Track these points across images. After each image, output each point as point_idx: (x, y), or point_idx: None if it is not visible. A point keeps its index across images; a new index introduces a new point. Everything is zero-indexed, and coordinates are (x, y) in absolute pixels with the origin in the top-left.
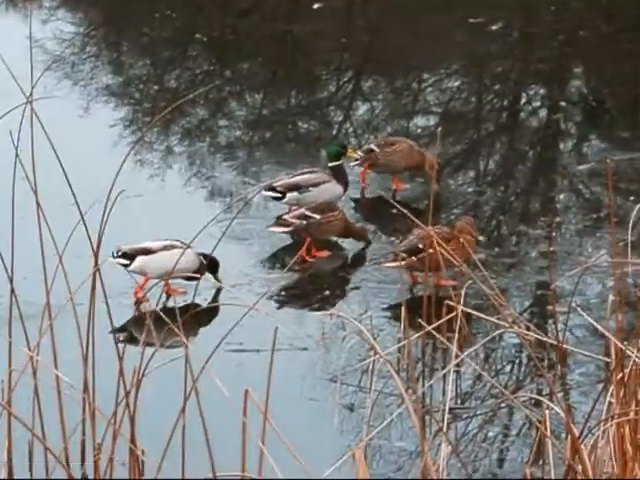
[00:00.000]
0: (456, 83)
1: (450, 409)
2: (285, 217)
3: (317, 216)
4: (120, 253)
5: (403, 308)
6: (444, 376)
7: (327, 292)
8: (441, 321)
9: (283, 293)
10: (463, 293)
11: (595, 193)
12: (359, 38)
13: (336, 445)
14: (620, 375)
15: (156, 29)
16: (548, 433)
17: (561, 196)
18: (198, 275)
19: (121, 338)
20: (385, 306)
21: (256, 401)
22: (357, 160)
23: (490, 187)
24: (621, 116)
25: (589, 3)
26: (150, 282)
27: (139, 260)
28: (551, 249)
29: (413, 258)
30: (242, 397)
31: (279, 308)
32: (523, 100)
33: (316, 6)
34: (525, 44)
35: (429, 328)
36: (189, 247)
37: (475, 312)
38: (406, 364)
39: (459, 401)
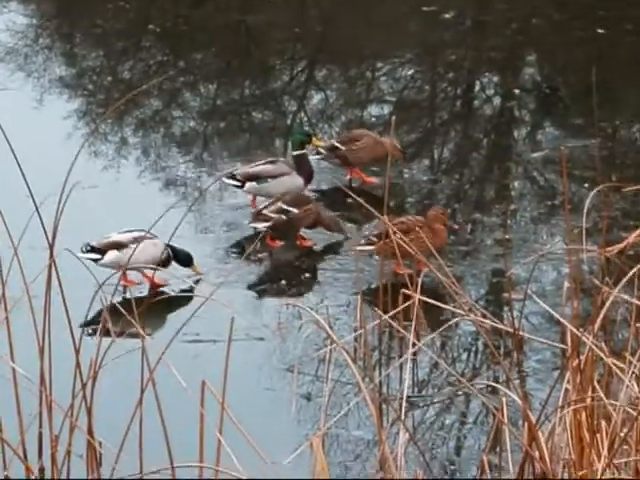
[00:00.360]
0: (410, 72)
1: (407, 397)
2: (264, 212)
3: (295, 210)
4: (89, 248)
5: (359, 297)
6: (401, 364)
7: (283, 282)
8: (397, 310)
9: (239, 283)
10: (420, 281)
11: (549, 180)
12: (312, 28)
13: (293, 434)
14: (576, 362)
15: (109, 20)
16: (505, 420)
17: (515, 184)
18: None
19: (77, 330)
20: (341, 295)
21: (213, 391)
22: (320, 154)
23: (445, 175)
24: (574, 103)
25: None
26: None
27: (111, 254)
28: (506, 237)
29: (382, 242)
30: (199, 388)
31: (235, 298)
32: (477, 88)
33: None
34: (478, 32)
35: (385, 317)
36: (157, 237)
37: (431, 300)
38: (363, 353)
39: (416, 389)
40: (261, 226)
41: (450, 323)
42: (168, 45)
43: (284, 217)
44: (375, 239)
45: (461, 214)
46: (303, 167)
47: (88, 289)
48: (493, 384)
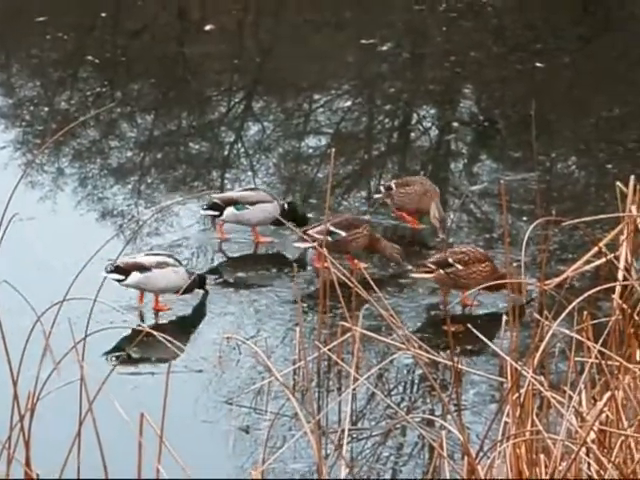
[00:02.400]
0: (347, 103)
1: (347, 430)
2: (310, 232)
3: (342, 232)
4: (114, 268)
5: (298, 329)
6: (340, 396)
7: (221, 313)
8: (336, 342)
9: (177, 315)
10: (360, 314)
11: (487, 213)
12: (250, 59)
13: (231, 467)
14: (516, 395)
15: (46, 50)
16: (444, 453)
17: (453, 216)
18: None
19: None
20: (280, 327)
21: (152, 424)
22: (379, 193)
23: (382, 207)
24: (512, 136)
25: (479, 24)
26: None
27: (134, 276)
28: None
29: (441, 271)
30: (138, 420)
31: (173, 330)
32: (414, 121)
33: (208, 27)
34: (416, 65)
35: (324, 350)
36: (180, 264)
37: (370, 333)
38: (301, 385)
39: (355, 421)
40: (304, 246)
41: (392, 358)
42: (105, 75)
43: (330, 239)
44: (433, 267)
45: (399, 246)
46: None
47: (28, 320)
48: (433, 417)
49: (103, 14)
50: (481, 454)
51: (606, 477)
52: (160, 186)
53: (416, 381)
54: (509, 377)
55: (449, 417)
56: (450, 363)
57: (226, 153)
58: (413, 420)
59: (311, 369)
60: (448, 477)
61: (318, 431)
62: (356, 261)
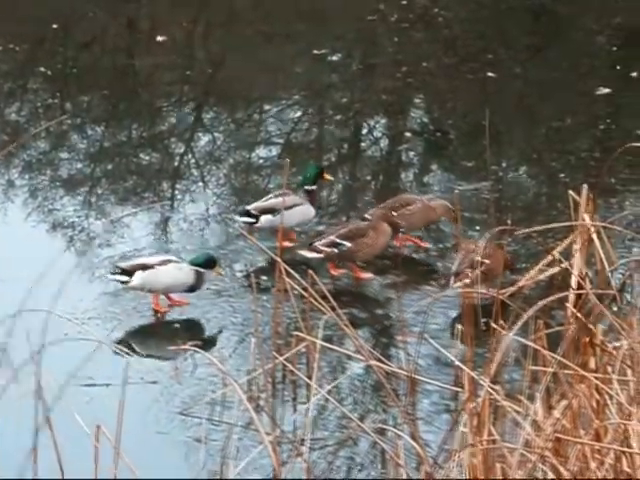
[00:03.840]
0: (298, 114)
1: (302, 440)
2: (316, 244)
3: (347, 244)
4: (118, 270)
5: (254, 340)
6: (295, 407)
7: (176, 325)
8: (292, 352)
9: (133, 327)
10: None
11: (440, 223)
12: (201, 70)
13: (188, 478)
14: (472, 405)
15: None
16: (402, 463)
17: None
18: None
19: None
20: (234, 337)
21: (108, 435)
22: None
23: (333, 218)
24: (463, 146)
25: (431, 34)
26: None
27: (138, 275)
28: (398, 279)
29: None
30: (94, 432)
31: (129, 342)
32: (365, 131)
33: (159, 39)
34: (368, 75)
35: (281, 360)
36: (183, 262)
37: (325, 344)
38: (257, 395)
39: (311, 431)
40: (311, 256)
41: (351, 369)
42: (56, 87)
43: (336, 250)
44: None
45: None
46: (314, 201)
47: None
48: (389, 427)
49: (54, 25)
50: (438, 464)
51: None
52: (110, 197)
53: (369, 391)
54: (466, 386)
55: (404, 427)
56: (406, 373)
57: (176, 164)
58: (370, 430)
59: (266, 379)
60: None
61: (276, 441)
62: (360, 272)
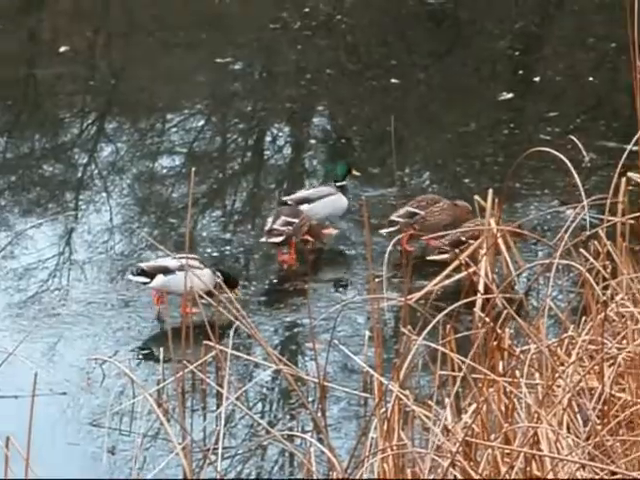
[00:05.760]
0: (201, 123)
1: (213, 448)
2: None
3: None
4: (140, 271)
5: (162, 349)
6: (205, 415)
7: (83, 335)
8: (201, 361)
9: (42, 337)
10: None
11: (346, 230)
12: (103, 80)
13: None
14: (382, 410)
15: None
16: (314, 469)
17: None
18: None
19: None
20: (142, 347)
21: (18, 448)
22: (393, 223)
23: (237, 226)
24: (368, 153)
25: (334, 41)
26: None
27: (158, 279)
28: (306, 286)
29: (456, 250)
30: (3, 444)
31: (37, 353)
32: (268, 139)
33: (62, 49)
34: (271, 83)
35: (192, 367)
36: (204, 266)
37: (235, 352)
38: (167, 404)
39: (221, 439)
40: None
41: (261, 376)
42: None
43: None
44: (449, 247)
45: (254, 265)
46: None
47: None
48: (300, 434)
49: None
50: (349, 470)
51: None
52: (14, 209)
53: (278, 398)
54: (376, 392)
55: (315, 434)
56: (316, 380)
57: (80, 175)
58: (282, 437)
59: (175, 388)
60: None
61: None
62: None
